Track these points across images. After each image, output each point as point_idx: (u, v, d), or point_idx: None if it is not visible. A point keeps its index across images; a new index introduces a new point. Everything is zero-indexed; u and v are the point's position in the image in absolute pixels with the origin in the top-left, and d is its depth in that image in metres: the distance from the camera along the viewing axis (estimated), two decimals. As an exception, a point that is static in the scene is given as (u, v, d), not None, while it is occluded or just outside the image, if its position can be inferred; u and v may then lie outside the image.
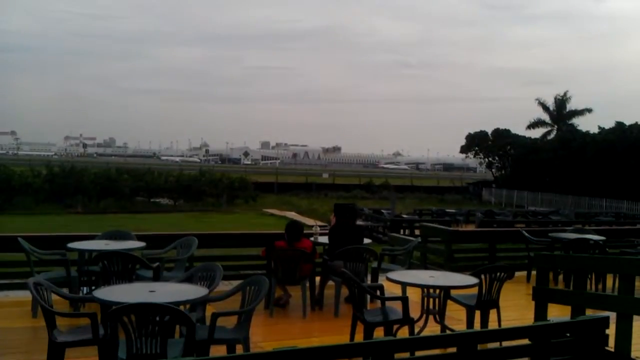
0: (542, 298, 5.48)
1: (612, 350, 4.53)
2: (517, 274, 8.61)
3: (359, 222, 16.64)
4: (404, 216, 23.77)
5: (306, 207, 33.38)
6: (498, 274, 6.09)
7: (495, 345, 4.11)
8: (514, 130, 52.21)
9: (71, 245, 7.17)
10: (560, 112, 52.46)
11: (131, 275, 6.31)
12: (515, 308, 7.60)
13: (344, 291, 7.27)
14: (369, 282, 7.63)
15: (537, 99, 53.04)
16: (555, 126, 52.57)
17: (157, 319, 4.11)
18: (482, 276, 6.03)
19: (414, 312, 5.83)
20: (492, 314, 6.15)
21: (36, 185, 31.79)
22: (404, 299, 5.67)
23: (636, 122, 39.77)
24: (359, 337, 5.63)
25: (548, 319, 5.29)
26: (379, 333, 5.52)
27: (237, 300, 5.29)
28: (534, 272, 8.59)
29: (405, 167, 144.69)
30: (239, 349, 4.86)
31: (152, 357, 4.09)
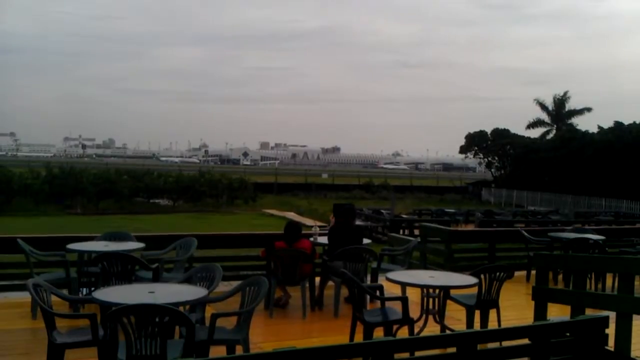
0: (541, 298, 5.48)
1: (612, 349, 4.53)
2: (516, 273, 8.61)
3: (359, 222, 16.69)
4: (404, 216, 23.79)
5: (306, 208, 33.35)
6: (497, 273, 6.09)
7: (495, 345, 4.10)
8: (513, 130, 52.34)
9: (70, 246, 7.16)
10: (560, 112, 52.51)
11: (131, 276, 6.30)
12: (515, 308, 7.61)
13: (344, 291, 7.27)
14: (368, 282, 7.63)
15: (535, 99, 53.18)
16: (555, 126, 52.63)
17: (157, 320, 4.10)
18: (482, 276, 6.02)
19: (414, 312, 5.83)
20: (492, 314, 6.14)
21: (35, 186, 31.76)
22: (404, 299, 5.67)
23: (634, 122, 39.82)
24: (358, 337, 5.63)
25: (548, 318, 5.29)
26: (378, 333, 5.51)
27: (237, 301, 5.29)
28: (533, 272, 8.60)
29: (405, 167, 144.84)
30: (239, 350, 4.85)
31: (151, 358, 4.08)
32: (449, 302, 6.15)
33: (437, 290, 6.08)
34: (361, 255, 7.38)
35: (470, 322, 6.10)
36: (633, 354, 4.66)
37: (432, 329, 6.05)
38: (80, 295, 7.05)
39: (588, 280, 8.23)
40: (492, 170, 53.59)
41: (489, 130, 52.64)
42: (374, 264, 8.00)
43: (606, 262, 6.19)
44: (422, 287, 6.03)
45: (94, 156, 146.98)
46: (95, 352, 4.59)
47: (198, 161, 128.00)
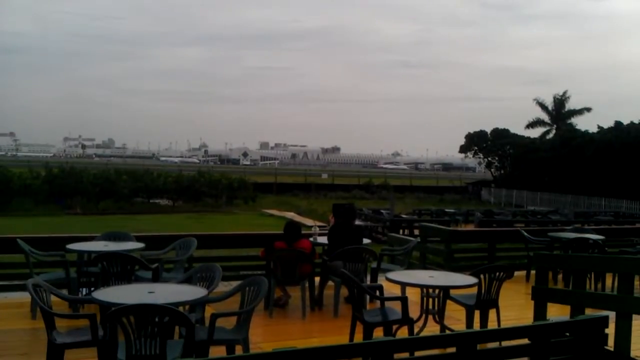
0: (541, 297, 5.48)
1: (612, 349, 4.52)
2: (516, 273, 8.60)
3: (358, 222, 16.69)
4: (403, 216, 23.79)
5: (305, 208, 33.37)
6: (497, 273, 6.09)
7: (495, 345, 4.11)
8: (513, 130, 52.47)
9: (70, 246, 7.15)
10: (559, 112, 52.58)
11: (130, 276, 6.30)
12: (515, 308, 7.60)
13: (344, 291, 7.27)
14: (368, 282, 7.63)
15: (535, 99, 53.26)
16: (554, 126, 52.68)
17: (157, 320, 4.10)
18: (482, 276, 6.02)
19: (414, 312, 5.82)
20: (492, 314, 6.14)
21: (35, 186, 31.77)
22: (404, 299, 5.67)
23: (632, 122, 39.85)
24: (358, 338, 5.63)
25: (547, 318, 5.29)
26: (378, 333, 5.51)
27: (237, 301, 5.29)
28: (533, 272, 8.60)
29: (405, 167, 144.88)
30: (239, 350, 4.85)
31: (151, 358, 4.08)
32: (448, 302, 6.15)
33: (436, 290, 6.08)
34: (361, 255, 7.38)
35: (470, 322, 6.09)
36: (633, 353, 4.66)
37: (431, 329, 6.05)
38: (80, 295, 7.05)
39: (588, 280, 8.23)
40: (492, 170, 53.63)
41: (488, 130, 52.73)
42: (374, 264, 8.00)
43: (606, 262, 6.18)
44: (421, 287, 6.03)
45: (94, 156, 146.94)
46: (95, 352, 4.59)
47: (198, 161, 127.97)
